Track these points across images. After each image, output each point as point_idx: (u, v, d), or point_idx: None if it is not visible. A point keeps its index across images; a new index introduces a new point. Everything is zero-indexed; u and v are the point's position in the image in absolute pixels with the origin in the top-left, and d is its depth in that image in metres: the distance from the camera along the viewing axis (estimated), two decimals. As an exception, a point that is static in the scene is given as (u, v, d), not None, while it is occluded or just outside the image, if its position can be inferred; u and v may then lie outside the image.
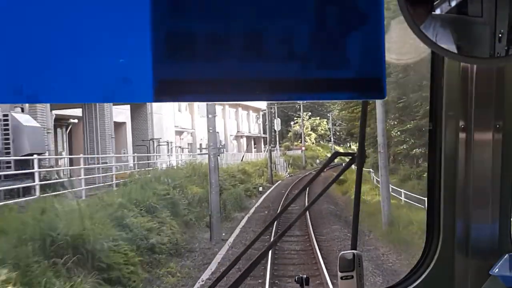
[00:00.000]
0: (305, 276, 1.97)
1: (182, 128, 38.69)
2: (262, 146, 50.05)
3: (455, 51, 1.48)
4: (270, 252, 11.76)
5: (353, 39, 1.28)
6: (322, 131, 75.80)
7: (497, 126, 2.05)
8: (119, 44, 1.24)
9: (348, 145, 74.95)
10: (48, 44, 1.22)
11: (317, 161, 61.80)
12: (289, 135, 70.85)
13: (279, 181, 39.79)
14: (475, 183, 2.12)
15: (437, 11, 1.47)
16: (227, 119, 47.16)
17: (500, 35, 1.44)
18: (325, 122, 74.83)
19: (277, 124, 53.16)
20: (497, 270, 1.97)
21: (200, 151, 36.89)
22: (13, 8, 1.22)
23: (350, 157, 1.94)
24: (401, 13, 1.39)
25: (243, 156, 41.07)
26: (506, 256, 2.06)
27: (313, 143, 72.10)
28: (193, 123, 40.00)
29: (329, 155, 60.21)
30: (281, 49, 1.28)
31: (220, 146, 40.43)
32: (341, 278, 1.83)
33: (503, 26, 1.44)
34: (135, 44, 1.24)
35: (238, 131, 50.55)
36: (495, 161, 2.09)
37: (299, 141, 65.09)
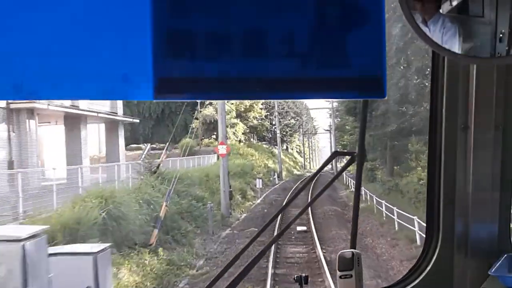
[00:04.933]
0: (304, 275, 1.97)
1: None
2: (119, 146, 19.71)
3: (456, 51, 1.48)
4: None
5: (353, 38, 1.28)
6: (256, 122, 44.57)
7: (497, 126, 2.05)
8: (119, 41, 1.24)
9: (287, 147, 46.38)
10: (49, 41, 1.22)
11: (257, 182, 31.37)
12: (193, 125, 37.46)
13: None
14: (474, 183, 2.12)
15: (438, 11, 1.47)
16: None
17: (501, 35, 1.44)
18: (260, 107, 44.29)
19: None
20: (496, 270, 1.97)
21: None
22: (13, 6, 1.22)
23: (349, 156, 1.95)
24: (402, 12, 1.39)
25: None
26: (505, 256, 2.06)
27: (240, 140, 41.21)
28: None
29: (273, 166, 41.98)
30: (282, 48, 1.28)
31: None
32: (340, 277, 1.83)
33: (504, 26, 1.44)
34: (135, 41, 1.24)
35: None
36: (495, 161, 2.09)
37: (214, 136, 35.91)
